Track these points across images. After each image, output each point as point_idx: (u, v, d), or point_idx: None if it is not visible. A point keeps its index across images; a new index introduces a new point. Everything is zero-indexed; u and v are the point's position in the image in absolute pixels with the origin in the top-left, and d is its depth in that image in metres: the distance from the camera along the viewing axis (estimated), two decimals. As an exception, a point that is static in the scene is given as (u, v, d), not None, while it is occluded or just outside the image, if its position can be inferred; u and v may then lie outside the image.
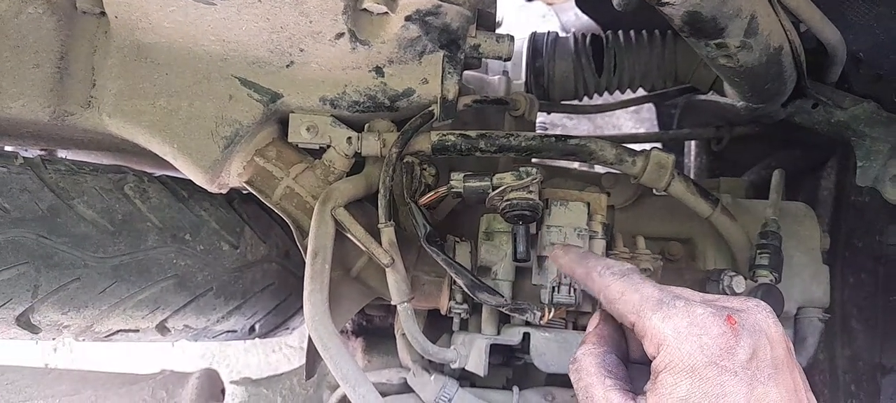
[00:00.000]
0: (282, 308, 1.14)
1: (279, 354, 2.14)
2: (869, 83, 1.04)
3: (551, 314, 0.85)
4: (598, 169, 1.17)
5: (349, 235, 0.83)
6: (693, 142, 1.48)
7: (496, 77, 1.20)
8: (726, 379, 0.52)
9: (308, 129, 0.85)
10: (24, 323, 0.86)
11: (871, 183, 1.00)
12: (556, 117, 2.18)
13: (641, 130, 2.24)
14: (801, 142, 1.38)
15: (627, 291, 0.60)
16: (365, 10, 0.77)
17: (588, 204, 0.86)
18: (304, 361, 0.95)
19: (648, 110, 2.12)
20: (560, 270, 0.80)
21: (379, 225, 0.84)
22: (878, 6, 0.86)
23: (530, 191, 0.80)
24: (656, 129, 1.73)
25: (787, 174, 1.05)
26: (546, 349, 0.87)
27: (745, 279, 0.91)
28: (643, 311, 0.57)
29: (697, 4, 0.75)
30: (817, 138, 1.11)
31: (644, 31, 1.17)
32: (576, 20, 1.88)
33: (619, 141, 1.43)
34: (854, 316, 1.36)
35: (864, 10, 0.87)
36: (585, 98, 1.24)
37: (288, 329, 1.27)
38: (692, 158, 1.50)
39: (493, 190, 0.81)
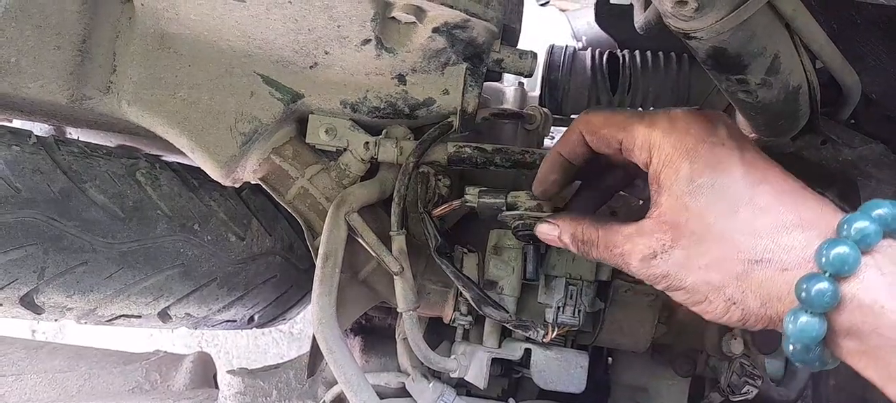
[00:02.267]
0: (282, 299, 1.14)
1: (268, 337, 2.14)
2: (879, 123, 1.05)
3: (554, 333, 0.86)
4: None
5: (361, 240, 0.83)
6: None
7: (511, 88, 1.20)
8: (718, 150, 0.57)
9: (327, 131, 0.85)
10: (28, 303, 0.85)
11: (874, 224, 1.01)
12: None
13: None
14: (802, 168, 1.40)
15: (610, 115, 0.66)
16: (393, 18, 0.77)
17: (598, 227, 0.87)
18: (292, 346, 0.96)
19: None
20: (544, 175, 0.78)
21: (390, 233, 0.84)
22: (898, 52, 0.87)
23: (543, 212, 0.81)
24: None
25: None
26: (546, 366, 0.89)
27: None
28: (630, 124, 0.63)
29: (724, 41, 0.75)
30: (816, 167, 1.13)
31: (661, 53, 1.17)
32: (588, 28, 1.87)
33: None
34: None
35: (884, 55, 0.88)
36: (597, 114, 1.24)
37: (285, 319, 1.27)
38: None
39: (507, 208, 0.81)
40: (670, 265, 0.58)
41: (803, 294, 0.49)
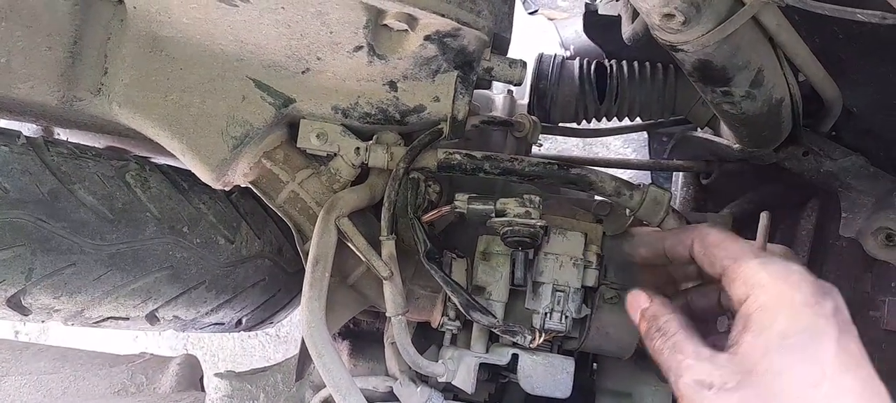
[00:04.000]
0: (270, 303, 1.14)
1: (255, 340, 2.14)
2: (859, 136, 1.08)
3: (541, 339, 0.87)
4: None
5: (350, 245, 0.84)
6: (681, 173, 1.51)
7: (500, 95, 1.21)
8: (819, 321, 0.54)
9: (318, 136, 0.86)
10: (15, 304, 0.85)
11: (853, 234, 1.04)
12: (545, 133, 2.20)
13: (630, 152, 2.28)
14: (784, 179, 1.42)
15: (727, 239, 0.65)
16: (385, 26, 0.78)
17: (585, 235, 0.88)
18: (279, 349, 0.96)
19: (639, 135, 2.15)
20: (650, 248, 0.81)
21: (380, 238, 0.85)
22: (879, 67, 0.89)
23: (532, 219, 0.82)
24: (646, 153, 1.76)
25: (767, 208, 1.08)
26: (533, 371, 0.89)
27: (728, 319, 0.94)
28: (743, 257, 0.61)
29: (709, 54, 0.77)
30: (801, 178, 1.15)
31: (647, 64, 1.19)
32: (576, 37, 1.90)
33: (612, 166, 1.46)
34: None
35: (865, 70, 0.91)
36: (584, 122, 1.26)
37: (273, 323, 1.27)
38: (679, 188, 1.53)
39: (497, 215, 0.82)
40: None
41: None
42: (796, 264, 0.59)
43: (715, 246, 0.65)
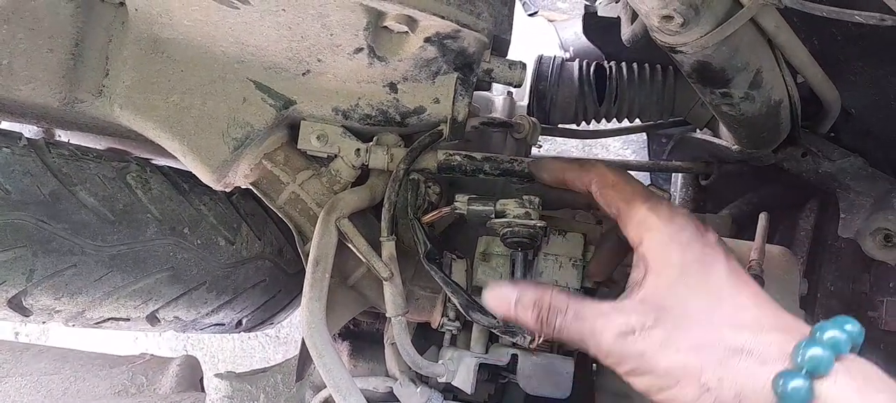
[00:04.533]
0: (270, 304, 1.14)
1: (254, 341, 2.14)
2: (857, 137, 1.08)
3: (541, 339, 0.87)
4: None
5: (351, 246, 0.84)
6: (680, 174, 1.51)
7: (500, 97, 1.22)
8: (708, 250, 0.62)
9: (318, 138, 0.86)
10: (16, 305, 0.85)
11: (852, 235, 1.04)
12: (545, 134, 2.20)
13: (630, 154, 2.28)
14: (783, 180, 1.43)
15: (621, 181, 0.70)
16: (386, 28, 0.78)
17: (585, 236, 0.89)
18: (279, 350, 0.96)
19: (638, 136, 2.16)
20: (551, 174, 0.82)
21: (380, 239, 0.85)
22: (877, 69, 0.89)
23: (531, 220, 0.82)
24: (645, 154, 1.77)
25: (766, 210, 1.09)
26: (533, 372, 0.90)
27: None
28: (634, 201, 0.67)
29: (708, 55, 0.77)
30: (799, 179, 1.15)
31: (647, 65, 1.20)
32: (575, 39, 1.90)
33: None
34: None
35: (864, 71, 0.91)
36: (584, 123, 1.26)
37: (273, 324, 1.28)
38: (678, 189, 1.54)
39: (496, 216, 0.82)
40: (648, 344, 0.59)
41: (780, 388, 0.52)
42: (679, 208, 0.67)
43: (610, 186, 0.70)
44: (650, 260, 0.63)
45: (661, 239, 0.63)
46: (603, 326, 0.61)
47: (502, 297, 0.68)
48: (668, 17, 0.68)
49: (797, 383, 0.51)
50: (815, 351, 0.52)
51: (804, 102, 0.98)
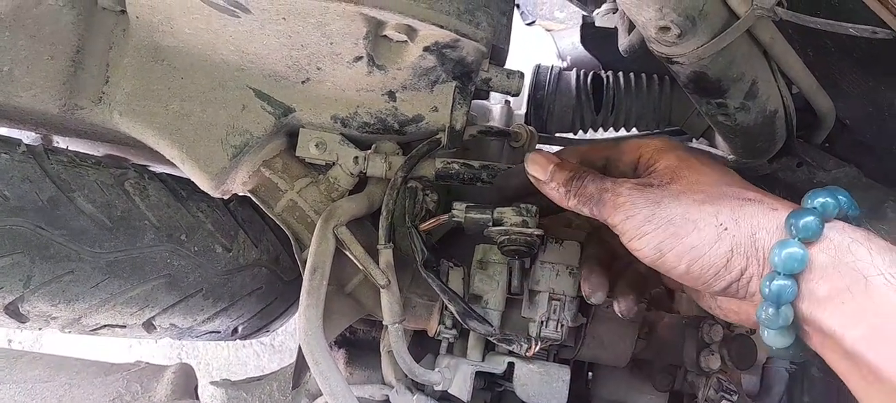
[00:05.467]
0: (267, 311, 1.14)
1: (249, 349, 2.13)
2: (852, 148, 1.09)
3: (537, 347, 0.87)
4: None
5: (348, 253, 0.84)
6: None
7: (497, 105, 1.22)
8: (695, 154, 0.69)
9: (317, 145, 0.86)
10: (13, 311, 0.85)
11: (847, 244, 1.05)
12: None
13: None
14: (777, 189, 1.43)
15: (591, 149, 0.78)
16: (385, 37, 0.79)
17: (581, 244, 0.89)
18: (273, 359, 0.96)
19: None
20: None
21: (378, 246, 0.85)
22: (871, 80, 0.90)
23: (528, 229, 0.82)
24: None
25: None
26: (529, 380, 0.90)
27: (722, 328, 0.94)
28: (614, 144, 0.76)
29: (705, 66, 0.78)
30: (791, 189, 1.16)
31: (643, 75, 1.20)
32: (572, 48, 1.91)
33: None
34: (814, 364, 1.42)
35: (858, 82, 0.92)
36: (581, 132, 1.27)
37: (268, 332, 1.28)
38: (675, 198, 1.54)
39: (494, 224, 0.83)
40: (665, 193, 0.63)
41: (792, 227, 0.57)
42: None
43: (585, 155, 0.77)
44: (653, 161, 0.69)
45: (656, 146, 0.70)
46: (621, 182, 0.66)
47: (541, 163, 0.74)
48: (666, 29, 0.69)
49: (808, 219, 0.56)
50: (822, 198, 0.58)
51: (799, 113, 0.99)
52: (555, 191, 0.72)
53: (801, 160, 1.08)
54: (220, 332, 1.11)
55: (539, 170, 0.73)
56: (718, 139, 1.16)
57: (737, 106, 0.87)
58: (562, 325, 0.86)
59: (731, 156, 1.11)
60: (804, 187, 1.11)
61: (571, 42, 1.99)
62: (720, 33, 0.72)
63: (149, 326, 0.98)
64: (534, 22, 2.39)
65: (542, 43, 2.01)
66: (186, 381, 1.29)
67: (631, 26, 1.01)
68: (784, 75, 0.88)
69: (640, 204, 0.63)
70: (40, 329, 0.92)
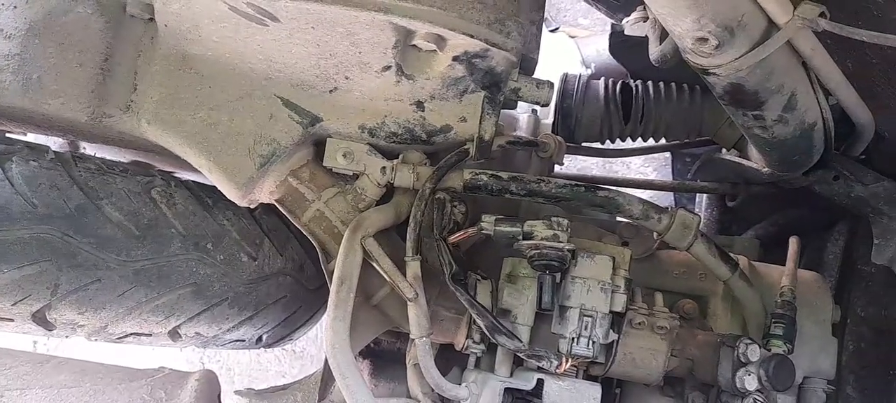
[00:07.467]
0: (291, 320, 1.13)
1: (270, 355, 2.13)
2: (890, 161, 1.06)
3: (568, 364, 0.85)
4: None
5: (376, 266, 0.83)
6: (705, 195, 1.49)
7: (524, 115, 1.21)
8: None
9: (344, 155, 0.85)
10: (40, 319, 0.85)
11: (886, 262, 1.02)
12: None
13: (651, 172, 2.26)
14: (810, 202, 1.40)
15: None
16: (414, 46, 0.78)
17: (613, 259, 0.87)
18: (295, 364, 0.95)
19: (660, 154, 2.13)
20: None
21: (405, 258, 0.84)
22: (912, 92, 0.87)
23: (560, 243, 0.81)
24: (667, 172, 1.75)
25: (793, 232, 1.06)
26: (559, 397, 0.88)
27: (760, 347, 0.92)
28: None
29: (742, 77, 0.76)
30: (826, 202, 1.13)
31: (674, 84, 1.18)
32: (597, 55, 1.89)
33: (637, 186, 1.44)
34: (850, 383, 1.38)
35: (898, 95, 0.89)
36: (608, 142, 1.25)
37: (292, 339, 1.27)
38: (702, 210, 1.51)
39: (524, 237, 0.81)
40: None
41: None
42: None
43: None
44: None
45: None
46: None
47: None
48: (703, 39, 0.67)
49: None
50: None
51: (835, 125, 0.96)
52: None
53: (838, 173, 1.05)
54: (244, 341, 1.10)
55: None
56: (752, 151, 1.13)
57: (775, 118, 0.84)
58: (593, 342, 0.84)
59: (766, 170, 1.08)
60: (841, 201, 1.08)
61: (596, 49, 1.97)
62: (759, 44, 0.69)
63: (174, 335, 0.98)
64: (557, 28, 2.37)
65: (567, 49, 1.99)
66: (210, 388, 1.28)
67: (662, 35, 0.99)
68: (823, 87, 0.86)
69: None
70: (67, 337, 0.92)
